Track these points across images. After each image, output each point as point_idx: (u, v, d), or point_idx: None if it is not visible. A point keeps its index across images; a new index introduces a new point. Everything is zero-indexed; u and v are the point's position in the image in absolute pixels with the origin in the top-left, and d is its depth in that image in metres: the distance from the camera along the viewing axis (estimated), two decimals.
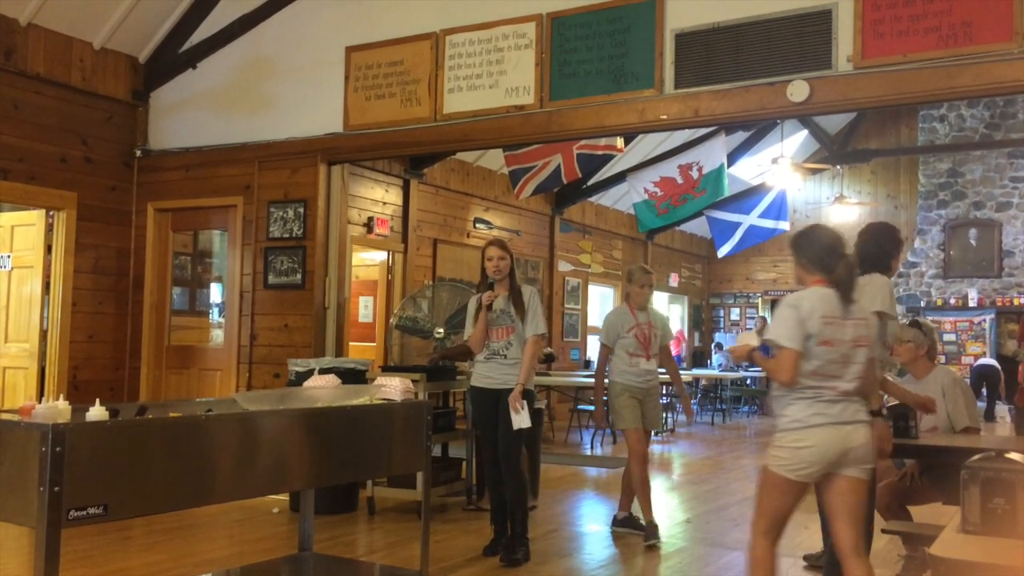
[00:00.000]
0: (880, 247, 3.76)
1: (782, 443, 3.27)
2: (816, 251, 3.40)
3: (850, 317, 3.31)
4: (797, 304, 3.30)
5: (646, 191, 10.51)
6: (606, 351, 5.66)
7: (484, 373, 4.98)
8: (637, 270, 5.73)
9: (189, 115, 7.47)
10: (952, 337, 14.78)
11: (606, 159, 10.06)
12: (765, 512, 3.33)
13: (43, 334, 7.10)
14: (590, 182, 12.30)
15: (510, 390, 4.85)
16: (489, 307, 4.90)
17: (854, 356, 3.28)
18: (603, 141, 8.76)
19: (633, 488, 5.57)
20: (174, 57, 7.49)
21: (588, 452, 9.74)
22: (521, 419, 4.79)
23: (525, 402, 4.83)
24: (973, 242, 14.99)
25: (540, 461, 6.72)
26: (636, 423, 5.50)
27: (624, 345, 5.54)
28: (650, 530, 5.40)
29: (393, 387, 4.08)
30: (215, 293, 7.83)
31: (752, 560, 3.37)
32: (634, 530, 5.57)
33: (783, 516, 3.32)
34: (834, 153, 15.02)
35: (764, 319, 15.96)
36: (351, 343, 8.59)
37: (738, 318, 17.59)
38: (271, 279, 6.94)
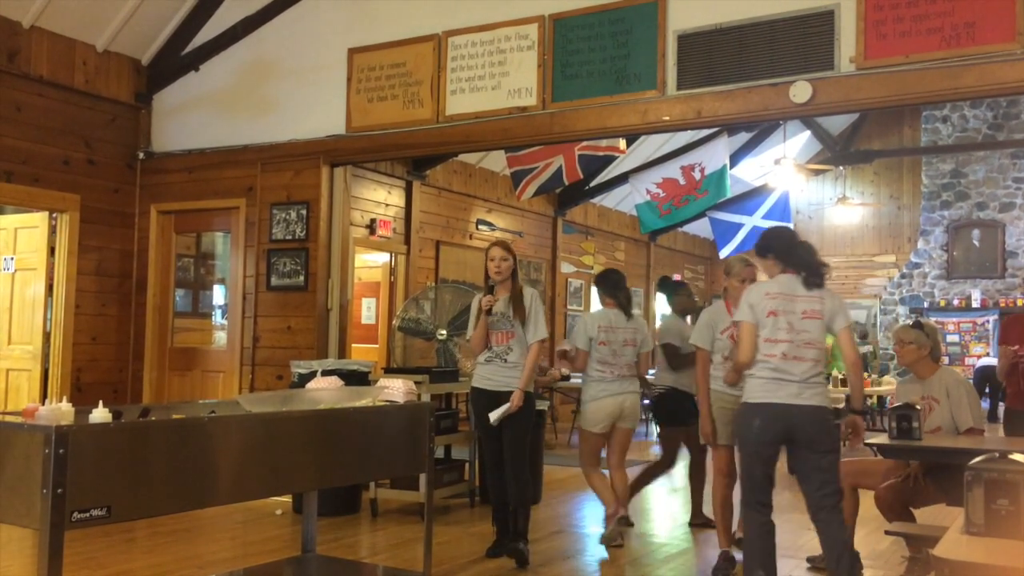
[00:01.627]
0: (817, 258, 4.01)
1: (584, 411, 5.32)
2: (606, 286, 5.45)
3: (622, 326, 5.34)
4: (583, 320, 5.47)
5: (648, 192, 10.49)
6: (702, 355, 4.90)
7: (484, 375, 4.99)
8: (735, 261, 4.97)
9: (192, 117, 7.48)
10: (955, 338, 14.76)
11: (608, 160, 10.05)
12: (585, 453, 5.41)
13: (46, 336, 7.11)
14: (592, 183, 12.30)
15: (511, 392, 4.86)
16: (489, 311, 4.89)
17: (624, 352, 5.32)
18: (605, 142, 8.75)
19: (714, 511, 5.02)
20: (177, 59, 7.50)
21: None
22: (495, 415, 4.83)
23: (506, 407, 4.81)
24: (976, 243, 14.97)
25: (543, 463, 6.72)
26: (728, 438, 4.84)
27: (719, 348, 4.84)
28: (724, 561, 4.80)
29: (396, 389, 4.08)
30: (218, 295, 7.84)
31: (591, 481, 5.41)
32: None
33: (597, 452, 5.42)
34: (837, 154, 15.01)
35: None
36: (354, 345, 8.59)
37: None
38: (274, 281, 6.95)
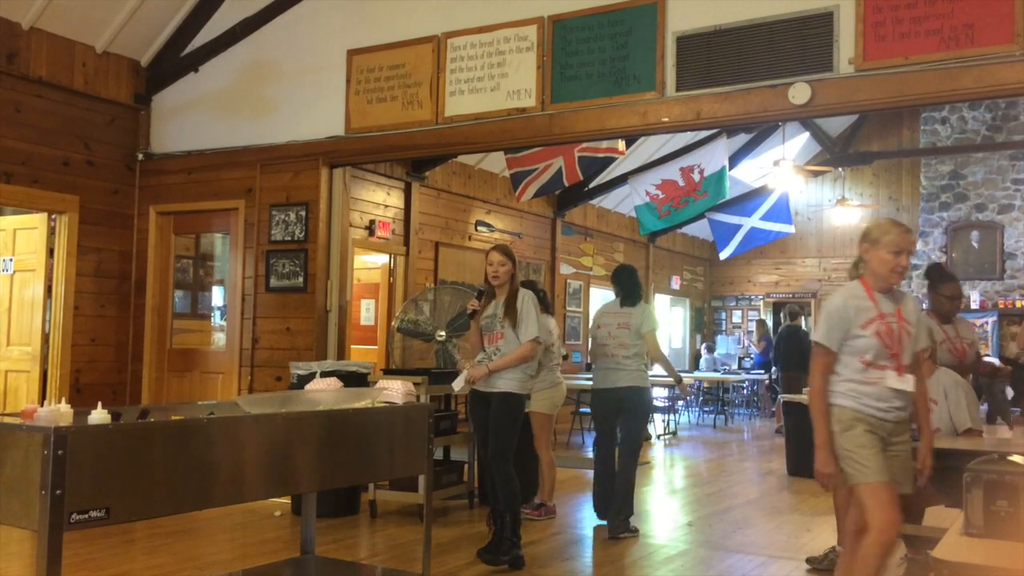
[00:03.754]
0: (638, 284, 5.98)
1: (549, 395, 6.16)
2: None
3: (553, 329, 6.37)
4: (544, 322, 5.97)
5: (647, 194, 10.51)
6: (827, 359, 3.45)
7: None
8: (885, 223, 3.49)
9: (191, 118, 7.48)
10: None
11: (607, 162, 10.05)
12: (547, 437, 6.23)
13: (45, 337, 7.10)
14: (591, 185, 12.30)
15: (498, 393, 4.86)
16: (473, 314, 5.00)
17: (562, 349, 6.13)
18: (604, 144, 8.76)
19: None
20: (176, 60, 7.50)
21: (590, 455, 9.74)
22: (456, 381, 5.15)
23: (463, 379, 5.01)
24: (975, 244, 14.98)
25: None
26: (881, 473, 3.31)
27: (858, 348, 3.39)
28: None
29: (395, 390, 4.08)
30: (217, 296, 7.84)
31: (552, 470, 6.24)
32: None
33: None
34: (836, 155, 15.02)
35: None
36: (353, 346, 8.59)
37: (740, 320, 17.59)
38: (273, 282, 6.95)
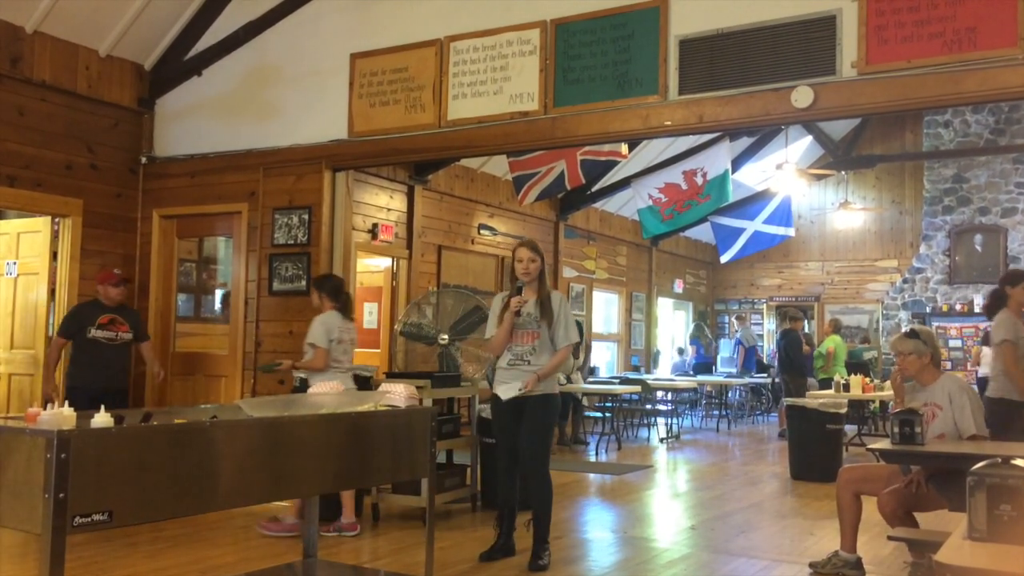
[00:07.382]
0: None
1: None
2: (330, 288, 5.74)
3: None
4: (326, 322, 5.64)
5: (650, 197, 10.52)
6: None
7: (507, 381, 4.93)
8: None
9: (194, 122, 7.49)
10: (958, 343, 14.74)
11: (610, 165, 10.07)
12: None
13: (49, 340, 7.10)
14: (594, 188, 12.31)
15: (538, 396, 4.83)
16: (518, 312, 4.85)
17: (350, 351, 5.80)
18: (607, 147, 8.77)
19: None
20: (180, 64, 7.51)
21: (592, 458, 9.73)
22: (510, 389, 4.87)
23: (516, 387, 4.83)
24: (978, 248, 14.97)
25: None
26: None
27: None
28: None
29: (397, 393, 4.08)
30: (220, 299, 7.85)
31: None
32: None
33: None
34: (839, 159, 15.02)
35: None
36: (355, 349, 8.59)
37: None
38: (276, 286, 6.95)
